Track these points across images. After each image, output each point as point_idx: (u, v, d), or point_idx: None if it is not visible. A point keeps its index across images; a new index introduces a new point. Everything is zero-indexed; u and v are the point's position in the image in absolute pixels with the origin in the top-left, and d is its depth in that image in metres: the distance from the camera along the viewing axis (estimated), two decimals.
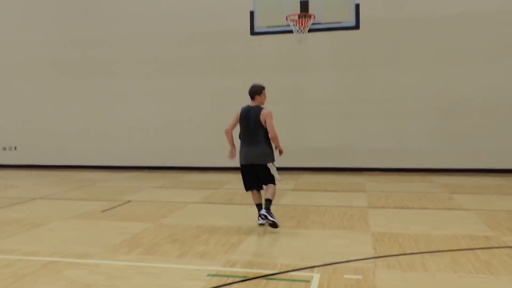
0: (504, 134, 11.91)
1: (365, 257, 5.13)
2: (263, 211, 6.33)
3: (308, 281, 4.39)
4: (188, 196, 9.39)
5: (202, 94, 13.53)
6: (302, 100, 12.99)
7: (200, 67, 13.48)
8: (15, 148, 15.04)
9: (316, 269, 4.74)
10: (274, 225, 6.26)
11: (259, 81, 12.82)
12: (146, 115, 13.96)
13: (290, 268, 4.77)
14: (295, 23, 9.31)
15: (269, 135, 6.47)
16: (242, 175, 6.76)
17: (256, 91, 6.85)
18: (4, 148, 15.12)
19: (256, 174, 6.58)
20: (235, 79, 13.17)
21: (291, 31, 9.67)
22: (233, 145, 7.04)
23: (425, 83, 12.24)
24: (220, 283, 4.37)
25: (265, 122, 6.48)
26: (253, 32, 10.16)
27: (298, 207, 8.08)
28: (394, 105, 12.45)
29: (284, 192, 9.53)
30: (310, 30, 9.63)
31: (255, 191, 6.62)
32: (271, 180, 6.52)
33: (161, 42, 13.66)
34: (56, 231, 6.63)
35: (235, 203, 8.61)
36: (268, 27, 10.17)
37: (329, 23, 9.85)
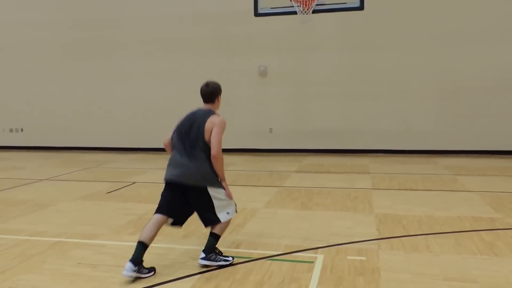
0: (509, 116, 11.86)
1: (369, 238, 5.16)
2: (202, 259, 4.34)
3: (312, 262, 4.43)
4: None
5: (206, 75, 13.29)
6: (306, 81, 12.95)
7: (204, 48, 13.42)
8: (22, 130, 15.10)
9: (319, 250, 4.78)
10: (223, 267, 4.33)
11: (263, 62, 12.98)
12: (150, 97, 13.96)
13: (294, 249, 4.81)
14: (299, 4, 9.26)
15: (211, 152, 4.48)
16: (162, 195, 4.51)
17: (214, 92, 4.93)
18: (11, 130, 15.18)
19: (183, 201, 4.42)
20: (239, 60, 13.14)
21: (295, 12, 9.62)
22: None
23: (429, 64, 12.16)
24: (225, 264, 4.41)
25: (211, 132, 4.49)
26: (257, 13, 10.11)
27: (301, 189, 8.10)
28: (398, 86, 12.40)
29: (288, 173, 9.56)
30: (314, 11, 9.58)
31: (161, 218, 4.37)
32: (214, 216, 4.36)
33: (165, 23, 13.59)
34: (62, 212, 6.70)
35: (239, 184, 8.63)
36: (272, 8, 10.11)
37: (333, 4, 9.80)
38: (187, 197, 4.38)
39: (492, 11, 11.72)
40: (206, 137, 4.49)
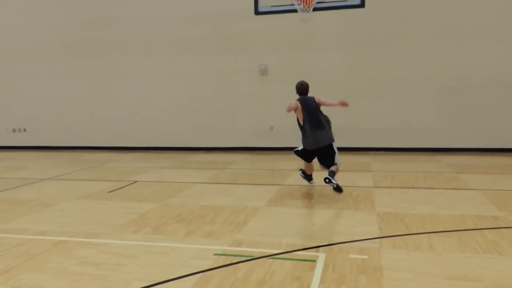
0: None
1: (371, 237, 5.16)
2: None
3: (313, 261, 4.44)
4: (194, 176, 9.44)
5: (207, 74, 13.50)
6: (306, 79, 12.60)
7: (205, 47, 13.43)
8: (24, 130, 15.13)
9: (321, 248, 4.78)
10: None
11: (263, 60, 12.98)
12: (152, 96, 13.97)
13: (296, 248, 4.81)
14: (299, 2, 9.26)
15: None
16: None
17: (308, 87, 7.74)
18: (14, 130, 15.22)
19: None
20: (239, 58, 13.14)
21: (295, 10, 9.62)
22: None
23: (431, 61, 12.13)
24: (227, 262, 4.42)
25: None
26: (257, 12, 10.12)
27: (303, 187, 8.11)
28: (399, 84, 12.37)
29: (289, 172, 9.56)
30: (314, 9, 9.58)
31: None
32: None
33: (166, 22, 13.60)
34: (65, 211, 6.71)
35: (241, 183, 8.65)
36: (272, 6, 10.13)
37: (334, 1, 9.80)
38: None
39: (494, 6, 11.67)
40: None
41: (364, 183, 8.37)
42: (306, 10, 9.25)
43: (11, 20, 14.70)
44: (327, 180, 6.87)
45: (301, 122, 7.38)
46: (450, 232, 5.29)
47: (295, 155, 7.71)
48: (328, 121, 7.43)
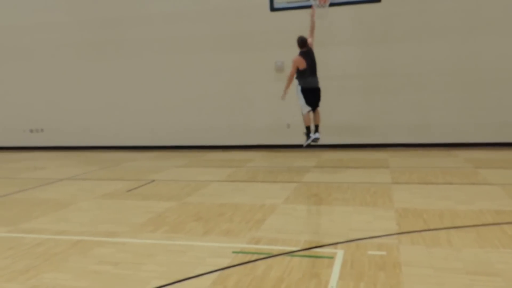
0: None
1: (389, 233, 5.12)
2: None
3: (331, 258, 4.42)
4: (211, 174, 9.47)
5: (222, 71, 13.50)
6: (323, 75, 12.68)
7: (220, 44, 13.41)
8: (42, 130, 15.29)
9: (339, 245, 4.76)
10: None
11: (279, 57, 12.95)
12: (167, 95, 14.01)
13: (314, 245, 4.80)
14: None
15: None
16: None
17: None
18: (31, 130, 15.39)
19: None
20: (255, 56, 13.11)
21: (311, 6, 9.59)
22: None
23: (448, 55, 11.97)
24: (245, 260, 4.43)
25: None
26: (273, 8, 10.10)
27: (320, 184, 8.08)
28: (417, 79, 12.23)
29: (307, 169, 9.54)
30: (331, 5, 9.55)
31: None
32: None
33: (180, 20, 13.61)
34: (83, 211, 6.78)
35: (258, 180, 8.65)
36: (288, 2, 10.10)
37: None
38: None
39: None
40: None
41: (382, 179, 8.31)
42: (322, 5, 9.25)
43: (26, 21, 14.84)
44: (316, 137, 9.48)
45: (302, 69, 9.24)
46: (469, 228, 5.23)
47: (303, 118, 9.57)
48: None
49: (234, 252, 4.67)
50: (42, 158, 13.40)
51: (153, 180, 9.03)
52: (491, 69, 11.72)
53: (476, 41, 11.77)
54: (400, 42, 12.22)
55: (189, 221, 5.92)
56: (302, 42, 9.34)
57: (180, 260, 4.51)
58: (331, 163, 10.40)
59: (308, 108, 9.43)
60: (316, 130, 9.55)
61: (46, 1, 14.68)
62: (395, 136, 12.52)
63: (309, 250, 4.67)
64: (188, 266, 4.36)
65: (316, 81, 9.49)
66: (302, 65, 9.21)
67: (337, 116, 12.74)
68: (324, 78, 12.72)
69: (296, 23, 12.61)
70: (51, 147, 15.18)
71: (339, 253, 4.52)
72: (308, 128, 9.61)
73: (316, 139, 9.49)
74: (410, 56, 12.19)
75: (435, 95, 12.16)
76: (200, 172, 9.86)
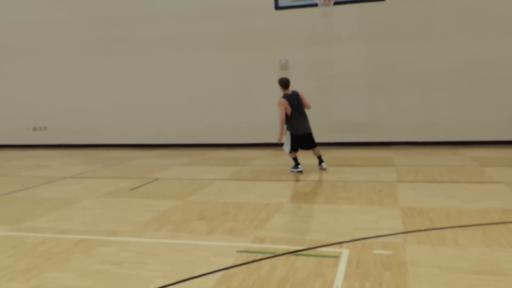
0: None
1: (395, 232, 5.08)
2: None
3: (337, 257, 4.38)
4: (215, 173, 9.43)
5: (227, 69, 13.47)
6: (328, 74, 12.83)
7: (226, 43, 13.39)
8: (46, 128, 15.30)
9: (345, 244, 4.72)
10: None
11: (284, 55, 12.90)
12: (172, 93, 14.00)
13: (319, 244, 4.76)
14: None
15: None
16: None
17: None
18: (35, 128, 15.40)
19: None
20: (260, 54, 13.08)
21: (316, 5, 9.55)
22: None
23: (454, 53, 11.91)
24: (249, 259, 4.39)
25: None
26: (277, 7, 10.06)
27: (325, 183, 8.04)
28: (422, 77, 12.18)
29: (311, 167, 9.49)
30: (335, 3, 9.50)
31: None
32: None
33: (185, 18, 13.59)
34: (87, 210, 6.75)
35: (262, 179, 8.61)
36: (292, 0, 10.06)
37: None
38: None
39: None
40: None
41: (387, 177, 8.26)
42: (327, 4, 9.19)
43: (31, 19, 14.84)
44: (324, 167, 9.09)
45: (289, 115, 8.61)
46: (475, 226, 5.18)
47: (288, 154, 9.03)
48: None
49: (238, 251, 4.63)
50: (45, 156, 13.40)
51: (157, 179, 9.00)
52: (497, 67, 11.66)
53: (482, 40, 11.70)
54: (405, 41, 12.16)
55: (193, 220, 5.89)
56: (285, 84, 8.82)
57: (184, 260, 4.47)
58: (336, 162, 10.34)
59: (293, 151, 8.92)
60: (321, 161, 9.21)
61: None
62: (400, 134, 12.47)
63: (314, 249, 4.63)
64: (192, 265, 4.32)
65: (306, 125, 8.86)
66: (288, 109, 8.62)
67: (342, 115, 12.70)
68: (328, 77, 12.78)
69: (300, 22, 12.62)
70: (54, 145, 15.20)
71: (345, 253, 4.48)
72: (295, 159, 9.08)
73: (301, 172, 8.91)
74: (415, 54, 12.13)
75: (440, 93, 12.10)
76: (204, 171, 9.83)
